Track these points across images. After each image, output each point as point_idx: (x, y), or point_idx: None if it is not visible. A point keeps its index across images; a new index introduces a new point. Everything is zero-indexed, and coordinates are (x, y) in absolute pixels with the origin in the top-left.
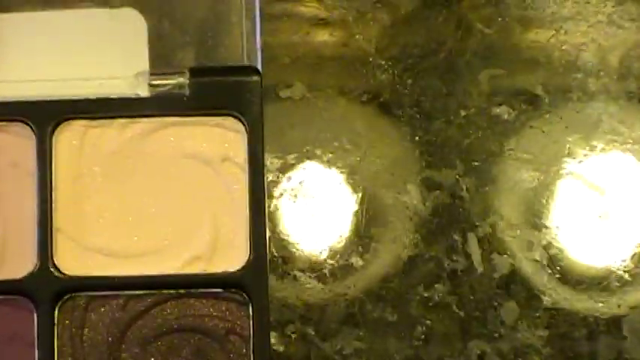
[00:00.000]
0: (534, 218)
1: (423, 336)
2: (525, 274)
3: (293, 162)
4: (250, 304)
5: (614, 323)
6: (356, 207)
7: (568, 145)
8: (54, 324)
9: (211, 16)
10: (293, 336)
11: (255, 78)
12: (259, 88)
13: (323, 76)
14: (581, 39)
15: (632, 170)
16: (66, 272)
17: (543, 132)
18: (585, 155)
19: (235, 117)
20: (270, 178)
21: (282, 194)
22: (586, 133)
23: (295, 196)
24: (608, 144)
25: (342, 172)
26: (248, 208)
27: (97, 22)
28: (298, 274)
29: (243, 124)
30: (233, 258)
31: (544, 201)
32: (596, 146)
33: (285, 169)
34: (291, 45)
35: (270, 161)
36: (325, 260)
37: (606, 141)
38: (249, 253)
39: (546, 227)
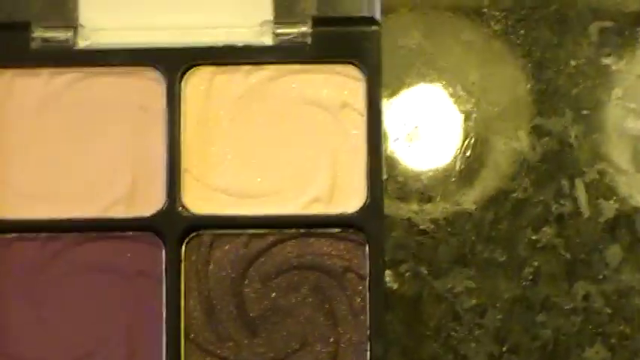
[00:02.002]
0: None
1: (530, 277)
2: (630, 218)
3: (409, 108)
4: (367, 244)
5: None
6: (468, 152)
7: None
8: (181, 260)
9: None
10: (406, 274)
11: (374, 27)
12: (378, 37)
13: (439, 25)
14: None
15: None
16: (192, 211)
17: None
18: None
19: (354, 65)
20: (387, 123)
21: (397, 139)
22: None
23: (411, 140)
24: None
25: (455, 118)
26: (366, 152)
27: None
28: (412, 215)
29: (362, 72)
30: (351, 200)
31: None
32: None
33: (401, 114)
34: None
35: (387, 107)
36: (438, 202)
37: None
38: (366, 195)
39: None
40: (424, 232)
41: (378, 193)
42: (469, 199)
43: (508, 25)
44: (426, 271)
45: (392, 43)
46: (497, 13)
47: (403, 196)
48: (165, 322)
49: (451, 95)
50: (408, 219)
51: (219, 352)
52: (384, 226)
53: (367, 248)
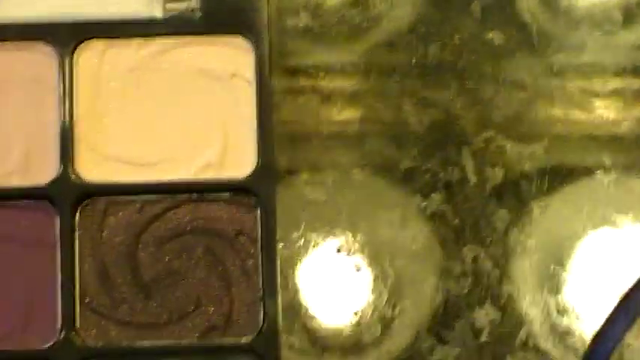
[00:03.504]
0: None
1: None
2: (516, 184)
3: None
4: (258, 208)
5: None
6: (356, 125)
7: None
8: (75, 227)
9: None
10: (299, 242)
11: (263, 0)
12: (265, 9)
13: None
14: None
15: None
16: (86, 179)
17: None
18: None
19: (244, 36)
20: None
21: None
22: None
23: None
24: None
25: (343, 91)
26: (256, 119)
27: None
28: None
29: (251, 43)
30: (242, 165)
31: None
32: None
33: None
34: None
35: (278, 80)
36: (328, 172)
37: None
38: (257, 160)
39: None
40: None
41: (268, 158)
42: (357, 165)
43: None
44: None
45: (280, 19)
46: None
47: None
48: (61, 288)
49: (340, 69)
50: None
51: (113, 315)
52: (274, 191)
53: (259, 212)
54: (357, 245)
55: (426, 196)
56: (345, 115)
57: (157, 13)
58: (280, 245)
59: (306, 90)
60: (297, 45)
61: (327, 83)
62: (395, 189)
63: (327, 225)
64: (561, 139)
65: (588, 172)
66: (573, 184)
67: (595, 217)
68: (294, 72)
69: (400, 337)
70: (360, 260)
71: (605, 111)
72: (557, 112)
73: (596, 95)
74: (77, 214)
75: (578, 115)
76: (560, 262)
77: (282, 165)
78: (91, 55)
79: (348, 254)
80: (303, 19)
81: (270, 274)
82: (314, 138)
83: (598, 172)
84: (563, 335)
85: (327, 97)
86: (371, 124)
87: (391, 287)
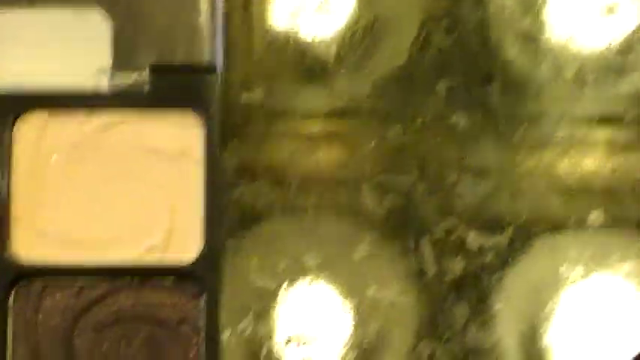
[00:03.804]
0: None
1: (375, 335)
2: (477, 276)
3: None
4: (202, 296)
5: None
6: (312, 209)
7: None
8: (8, 309)
9: (174, 18)
10: (246, 332)
11: (214, 76)
12: (217, 86)
13: (283, 82)
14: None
15: None
16: (22, 259)
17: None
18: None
19: (193, 113)
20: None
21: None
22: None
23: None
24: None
25: (295, 178)
26: (204, 201)
27: (62, 21)
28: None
29: (201, 121)
30: (187, 249)
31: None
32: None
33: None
34: (251, 46)
35: (229, 159)
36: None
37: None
38: (203, 245)
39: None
40: (264, 288)
41: (215, 243)
42: (310, 257)
43: (353, 79)
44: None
45: (233, 93)
46: (344, 71)
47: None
48: None
49: (295, 151)
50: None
51: None
52: (221, 278)
53: (203, 299)
54: (307, 336)
55: (381, 286)
56: (300, 199)
57: (103, 85)
58: (226, 334)
59: (260, 172)
60: (249, 121)
61: (282, 164)
62: (349, 278)
63: (277, 314)
64: (526, 230)
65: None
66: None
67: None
68: (245, 152)
69: None
70: (311, 352)
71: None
72: (523, 201)
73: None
74: (11, 297)
75: (545, 205)
76: None
77: (230, 250)
78: (31, 128)
79: (298, 345)
80: (257, 95)
81: None
82: (265, 221)
83: (564, 265)
84: None
85: (282, 179)
86: (327, 208)
87: None
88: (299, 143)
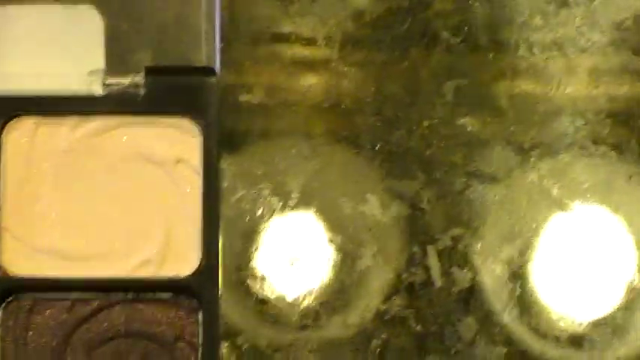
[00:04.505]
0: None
1: (378, 350)
2: (485, 289)
3: (250, 167)
4: (200, 311)
5: (575, 339)
6: (314, 216)
7: (532, 159)
8: None
9: (171, 17)
10: (244, 346)
11: (212, 79)
12: (215, 89)
13: (284, 80)
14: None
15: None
16: (11, 272)
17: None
18: (550, 170)
19: (191, 118)
20: (226, 183)
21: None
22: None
23: (254, 202)
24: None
25: (299, 180)
26: (201, 212)
27: (52, 18)
28: (251, 282)
29: (199, 126)
30: (184, 263)
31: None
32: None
33: (241, 175)
34: (254, 50)
35: (227, 167)
36: (280, 271)
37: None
38: (200, 258)
39: (509, 242)
40: (263, 301)
41: (213, 256)
42: (314, 266)
43: (358, 80)
44: (265, 343)
45: (232, 97)
46: (346, 69)
47: (240, 262)
48: None
49: (295, 155)
50: (247, 286)
51: None
52: (219, 293)
53: (200, 316)
54: (308, 347)
55: (386, 298)
56: (300, 208)
57: (96, 88)
58: (224, 350)
59: (259, 179)
60: (248, 126)
61: (282, 168)
62: (351, 289)
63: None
64: (536, 240)
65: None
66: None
67: None
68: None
69: None
70: None
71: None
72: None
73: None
74: (0, 312)
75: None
76: None
77: (229, 263)
78: (20, 134)
79: None
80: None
81: None
82: (264, 233)
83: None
84: None
85: (281, 186)
86: (328, 215)
87: None
88: (301, 145)
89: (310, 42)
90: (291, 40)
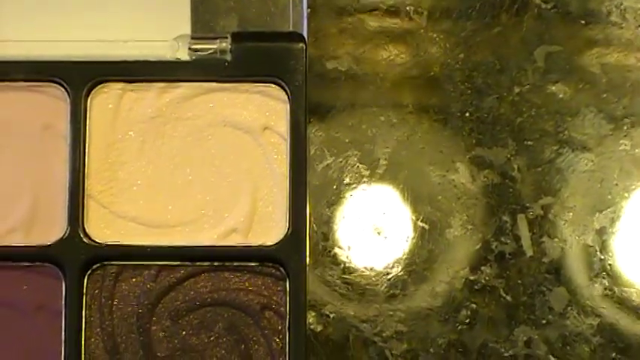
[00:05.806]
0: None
1: (467, 320)
2: (576, 259)
3: (337, 135)
4: (287, 280)
5: None
6: (401, 185)
7: (625, 127)
8: (82, 293)
9: None
10: (331, 316)
11: (300, 45)
12: (304, 55)
13: (370, 48)
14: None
15: None
16: (97, 240)
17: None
18: None
19: (278, 84)
20: (313, 151)
21: (326, 167)
22: None
23: (341, 170)
24: None
25: (387, 148)
26: (288, 180)
27: None
28: (338, 251)
29: (286, 92)
30: (271, 231)
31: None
32: None
33: (328, 142)
34: (339, 15)
35: (314, 133)
36: (367, 240)
37: None
38: (287, 226)
39: (600, 212)
40: (351, 270)
41: (300, 225)
42: (401, 236)
43: (447, 47)
44: (352, 313)
45: (320, 64)
46: (435, 35)
47: (328, 231)
48: None
49: (383, 123)
50: (334, 255)
51: None
52: (307, 262)
53: (287, 284)
54: (395, 317)
55: (475, 268)
56: (387, 176)
57: (182, 54)
58: (310, 320)
59: (346, 146)
60: (335, 94)
61: (370, 136)
62: (440, 258)
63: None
64: (628, 210)
65: None
66: None
67: None
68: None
69: None
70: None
71: None
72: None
73: None
74: (85, 280)
75: None
76: (624, 352)
77: (315, 232)
78: (106, 100)
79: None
80: (345, 64)
81: (297, 356)
82: (351, 202)
83: None
84: None
85: (369, 154)
86: (416, 184)
87: None
88: (388, 113)
89: (398, 11)
90: (380, 9)
